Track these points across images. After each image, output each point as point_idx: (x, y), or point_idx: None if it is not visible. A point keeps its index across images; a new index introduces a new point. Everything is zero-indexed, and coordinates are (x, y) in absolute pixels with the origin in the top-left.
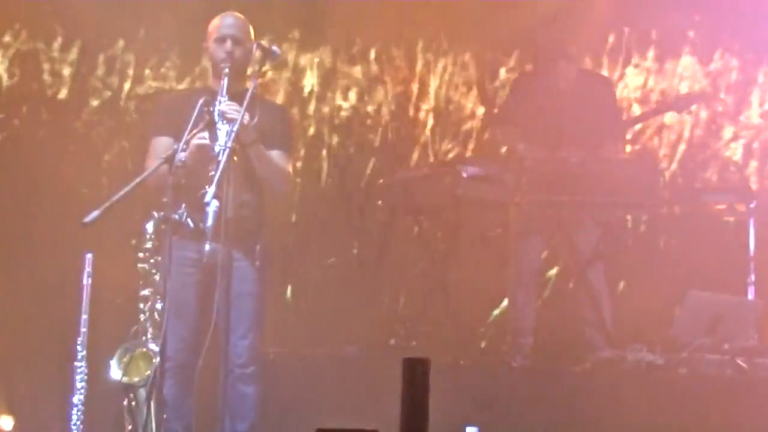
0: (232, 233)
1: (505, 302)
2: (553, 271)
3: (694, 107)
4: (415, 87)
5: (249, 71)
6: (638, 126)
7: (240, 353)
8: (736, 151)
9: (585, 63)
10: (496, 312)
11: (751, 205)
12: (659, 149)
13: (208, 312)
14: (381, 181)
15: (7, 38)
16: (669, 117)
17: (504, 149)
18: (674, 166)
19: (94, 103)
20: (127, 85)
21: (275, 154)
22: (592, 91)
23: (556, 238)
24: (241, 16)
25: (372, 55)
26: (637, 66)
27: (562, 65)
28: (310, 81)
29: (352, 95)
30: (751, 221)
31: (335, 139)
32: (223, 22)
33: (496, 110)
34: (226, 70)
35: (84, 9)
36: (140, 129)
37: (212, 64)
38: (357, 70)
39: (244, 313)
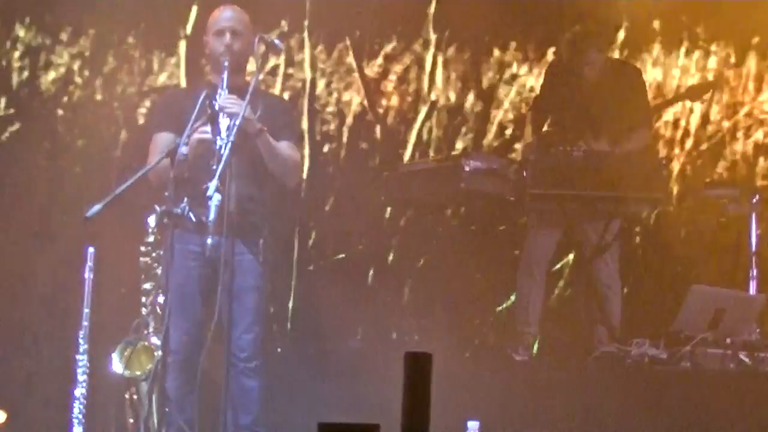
0: (235, 227)
1: (512, 297)
2: (562, 265)
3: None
4: (417, 80)
5: (251, 65)
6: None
7: (243, 347)
8: (745, 147)
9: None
10: (502, 307)
11: (754, 200)
12: (667, 144)
13: (212, 305)
14: (385, 174)
15: (17, 33)
16: (675, 112)
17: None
18: (682, 160)
19: (100, 98)
20: (134, 80)
21: (284, 145)
22: (620, 80)
23: (567, 232)
24: (240, 9)
25: (376, 48)
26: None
27: (592, 55)
28: (316, 75)
29: (357, 89)
30: (754, 216)
31: (342, 134)
32: (222, 15)
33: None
34: (226, 63)
35: (93, 3)
36: (148, 124)
37: (212, 58)
38: (363, 64)
39: (247, 307)
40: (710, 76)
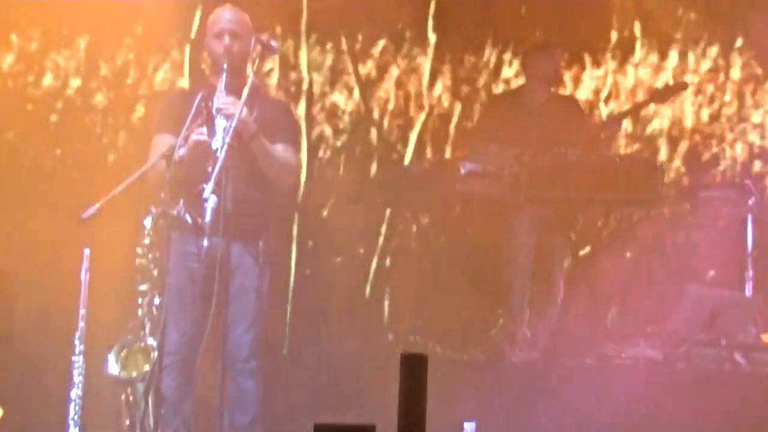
0: (232, 229)
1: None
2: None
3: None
4: (415, 82)
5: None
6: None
7: (242, 348)
8: (741, 149)
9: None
10: (500, 309)
11: (749, 202)
12: (663, 146)
13: (209, 307)
14: (382, 176)
15: (13, 37)
16: (673, 115)
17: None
18: (678, 163)
19: (102, 101)
20: (132, 83)
21: (279, 148)
22: (560, 112)
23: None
24: (240, 10)
25: (373, 49)
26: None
27: (537, 88)
28: (313, 77)
29: (355, 92)
30: (749, 217)
31: (338, 137)
32: (222, 17)
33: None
34: (225, 65)
35: (89, 7)
36: (147, 127)
37: (211, 60)
38: (360, 67)
39: (246, 308)
40: (710, 84)
